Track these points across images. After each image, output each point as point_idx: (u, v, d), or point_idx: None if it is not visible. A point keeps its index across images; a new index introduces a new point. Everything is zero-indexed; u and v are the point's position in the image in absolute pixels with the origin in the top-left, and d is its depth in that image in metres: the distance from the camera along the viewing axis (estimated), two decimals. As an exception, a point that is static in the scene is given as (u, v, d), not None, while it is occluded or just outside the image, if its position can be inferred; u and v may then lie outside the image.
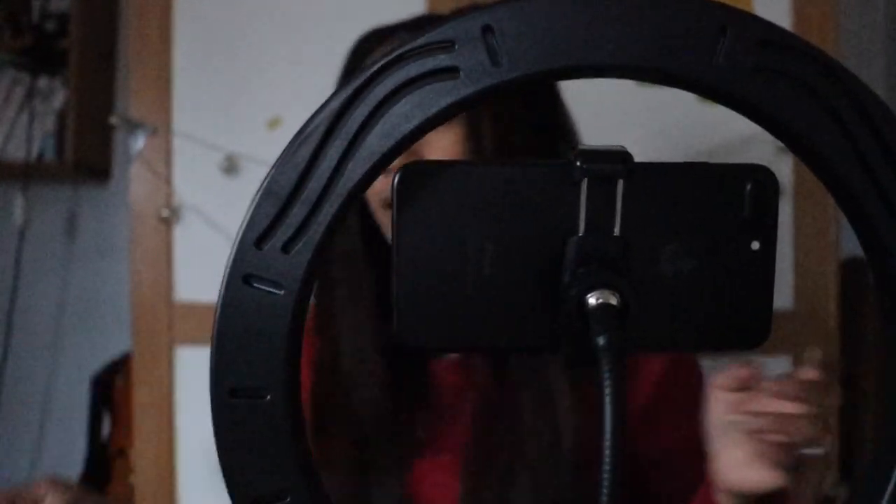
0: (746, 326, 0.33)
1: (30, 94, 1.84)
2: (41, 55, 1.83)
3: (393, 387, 0.80)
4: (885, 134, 0.29)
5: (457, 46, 0.29)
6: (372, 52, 0.83)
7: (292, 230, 0.29)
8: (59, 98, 1.85)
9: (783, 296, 1.42)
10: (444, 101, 0.29)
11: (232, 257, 0.29)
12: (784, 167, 1.38)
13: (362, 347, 0.81)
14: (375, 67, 0.29)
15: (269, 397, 0.29)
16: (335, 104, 0.29)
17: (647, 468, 0.80)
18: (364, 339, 0.81)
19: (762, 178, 0.32)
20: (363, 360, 0.81)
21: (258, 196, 0.29)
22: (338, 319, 0.83)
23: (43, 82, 1.85)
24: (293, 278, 0.29)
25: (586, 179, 0.30)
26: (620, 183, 0.31)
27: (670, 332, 0.33)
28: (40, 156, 1.84)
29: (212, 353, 0.30)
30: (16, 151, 1.84)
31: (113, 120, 1.68)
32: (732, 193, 0.32)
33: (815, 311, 1.42)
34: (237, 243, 0.29)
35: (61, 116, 1.84)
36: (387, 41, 0.83)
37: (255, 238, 0.29)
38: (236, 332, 0.29)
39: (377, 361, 0.80)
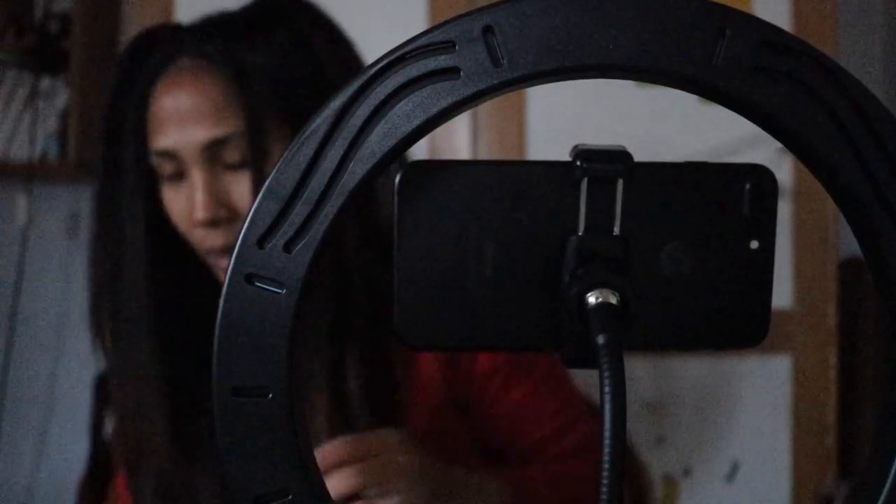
0: (745, 325, 0.33)
1: (33, 95, 1.85)
2: (44, 55, 1.83)
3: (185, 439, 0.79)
4: (884, 135, 0.29)
5: (457, 47, 0.29)
6: (148, 53, 0.79)
7: (294, 230, 0.29)
8: (61, 98, 1.85)
9: (782, 295, 1.42)
10: (445, 102, 0.29)
11: (234, 256, 0.29)
12: (784, 168, 1.38)
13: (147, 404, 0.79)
14: (376, 68, 0.29)
15: (270, 396, 0.30)
16: (336, 104, 0.29)
17: (493, 429, 0.86)
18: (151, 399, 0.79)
19: (761, 177, 0.32)
20: (151, 419, 0.79)
21: (260, 196, 0.29)
22: (125, 394, 0.80)
23: (46, 82, 1.86)
24: (295, 277, 0.29)
25: (586, 179, 0.30)
26: (620, 182, 0.30)
27: (669, 331, 0.33)
28: (43, 156, 1.84)
29: (214, 352, 0.30)
30: (19, 151, 1.84)
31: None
32: (732, 193, 0.32)
33: (815, 310, 1.42)
34: (239, 242, 0.29)
35: (64, 116, 1.84)
36: (163, 41, 0.79)
37: (258, 237, 0.29)
38: (238, 331, 0.30)
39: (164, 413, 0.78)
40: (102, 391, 1.79)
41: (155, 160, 0.78)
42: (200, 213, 0.75)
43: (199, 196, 0.75)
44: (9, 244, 1.92)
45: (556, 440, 0.85)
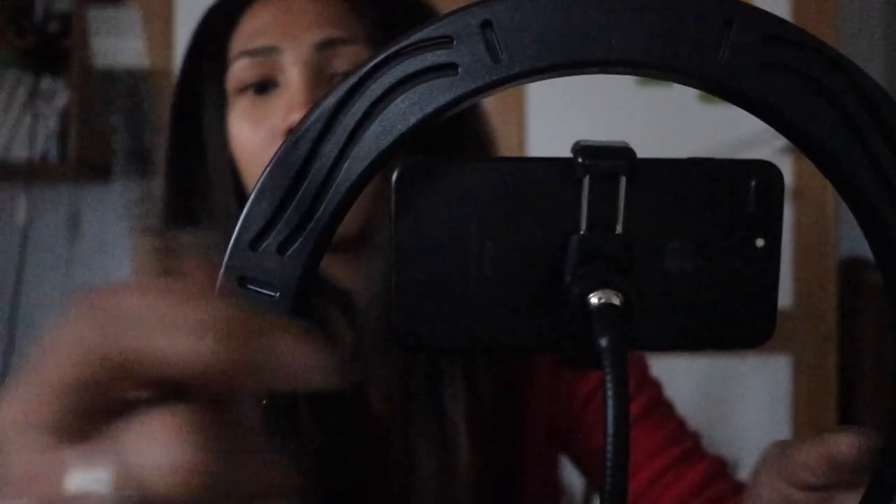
0: (750, 325, 0.32)
1: (33, 95, 1.84)
2: (44, 56, 1.83)
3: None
4: (893, 128, 0.29)
5: (455, 42, 0.28)
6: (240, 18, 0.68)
7: (288, 231, 0.28)
8: (61, 98, 1.85)
9: (783, 295, 1.42)
10: (443, 98, 0.28)
11: (226, 258, 0.29)
12: (784, 167, 1.37)
13: None
14: (371, 64, 0.28)
15: (265, 401, 0.29)
16: (330, 101, 0.28)
17: (594, 468, 0.77)
18: None
19: (768, 174, 0.31)
20: None
21: (252, 196, 0.29)
22: None
23: (46, 83, 1.86)
24: (289, 281, 0.28)
25: (588, 176, 0.30)
26: (623, 180, 0.30)
27: (674, 331, 0.32)
28: (43, 156, 1.84)
29: None
30: (19, 151, 1.84)
31: (115, 120, 1.68)
32: (737, 190, 0.31)
33: (815, 310, 1.42)
34: (231, 244, 0.29)
35: (64, 116, 1.84)
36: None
37: (250, 239, 0.29)
38: None
39: None
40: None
41: (238, 67, 0.66)
42: (298, 113, 0.62)
43: (300, 96, 0.63)
44: (9, 244, 1.92)
45: (667, 481, 0.70)
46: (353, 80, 0.28)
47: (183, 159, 0.70)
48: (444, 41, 0.28)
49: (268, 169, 0.29)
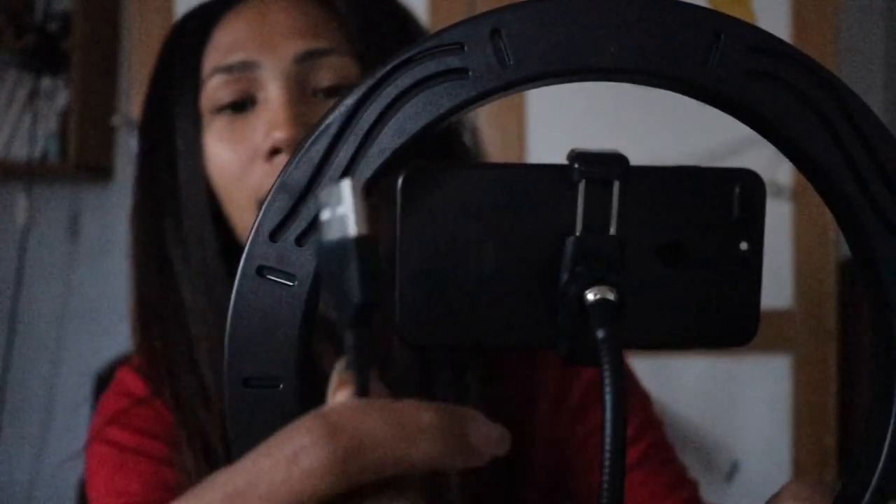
0: (735, 324, 0.33)
1: (33, 95, 1.85)
2: (44, 55, 1.83)
3: None
4: (870, 137, 0.31)
5: (466, 48, 0.30)
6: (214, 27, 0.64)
7: (306, 224, 0.30)
8: (62, 98, 1.86)
9: (783, 295, 1.42)
10: (454, 101, 0.30)
11: (246, 249, 0.30)
12: (784, 168, 1.38)
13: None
14: (388, 67, 0.30)
15: (281, 386, 0.30)
16: (349, 102, 0.30)
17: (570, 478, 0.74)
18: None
19: (750, 181, 0.33)
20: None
21: (273, 190, 0.30)
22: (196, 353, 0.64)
23: (46, 83, 1.86)
24: (306, 270, 0.30)
25: (584, 181, 0.31)
26: (617, 184, 0.31)
27: (662, 330, 0.33)
28: (43, 156, 1.84)
29: (226, 343, 0.30)
30: (19, 151, 1.84)
31: (115, 120, 1.69)
32: (722, 196, 0.33)
33: (815, 310, 1.43)
34: (252, 235, 0.30)
35: (64, 116, 1.84)
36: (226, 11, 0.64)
37: (270, 231, 0.30)
38: (250, 323, 0.30)
39: None
40: (103, 390, 1.79)
41: (213, 85, 0.62)
42: (281, 132, 0.59)
43: (281, 113, 0.59)
44: (9, 244, 1.93)
45: None
46: (370, 82, 0.30)
47: (154, 183, 0.65)
48: (456, 47, 0.30)
49: (289, 164, 0.30)
